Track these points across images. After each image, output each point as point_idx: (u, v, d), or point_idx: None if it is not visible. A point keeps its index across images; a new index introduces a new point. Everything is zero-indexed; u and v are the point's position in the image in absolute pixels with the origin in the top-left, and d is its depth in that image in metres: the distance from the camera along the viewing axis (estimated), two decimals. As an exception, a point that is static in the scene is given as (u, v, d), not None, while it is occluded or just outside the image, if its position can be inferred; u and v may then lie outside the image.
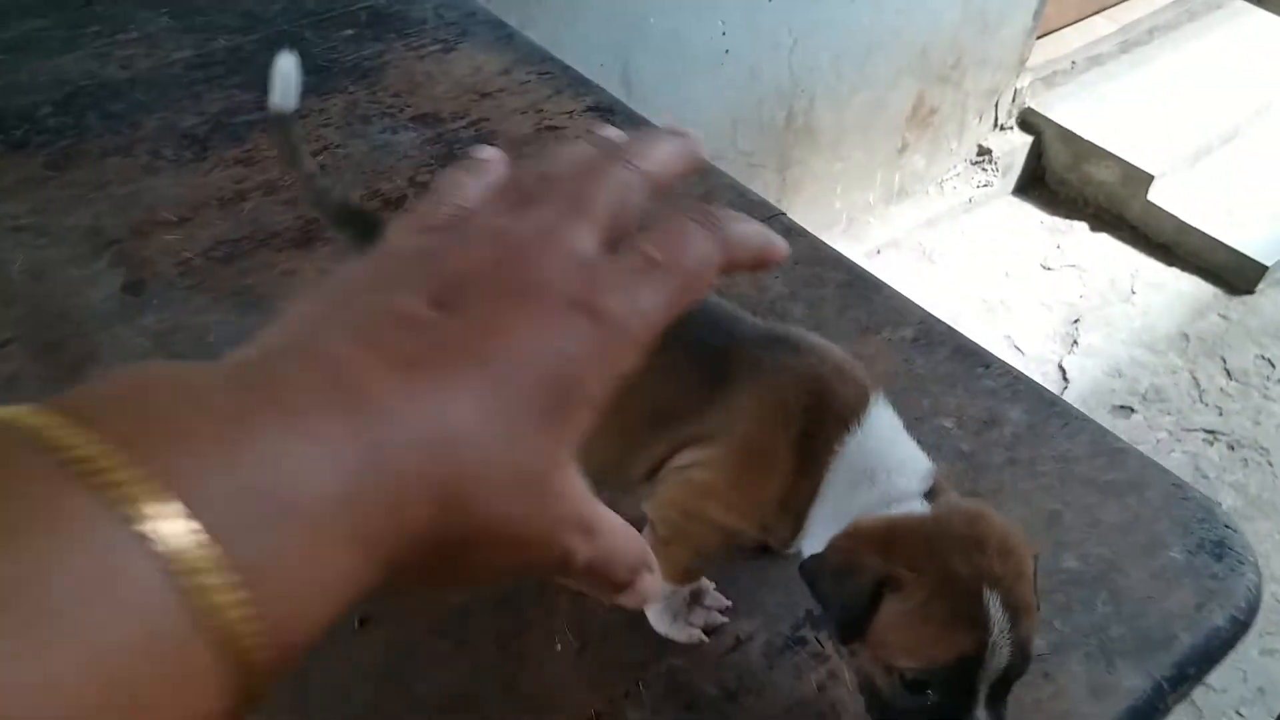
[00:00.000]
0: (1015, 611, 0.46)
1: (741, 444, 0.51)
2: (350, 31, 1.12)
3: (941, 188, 2.93)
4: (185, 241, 0.85)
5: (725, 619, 0.58)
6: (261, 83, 1.03)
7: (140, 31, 1.12)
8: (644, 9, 1.93)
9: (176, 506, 0.20)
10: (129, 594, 0.19)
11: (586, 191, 0.31)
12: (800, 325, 0.74)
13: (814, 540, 0.51)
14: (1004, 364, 0.71)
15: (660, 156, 0.34)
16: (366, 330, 0.27)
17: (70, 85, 1.03)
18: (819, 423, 0.51)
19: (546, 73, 1.06)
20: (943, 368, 0.71)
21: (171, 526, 0.20)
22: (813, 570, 0.49)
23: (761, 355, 0.52)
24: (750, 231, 0.33)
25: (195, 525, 0.20)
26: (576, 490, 0.30)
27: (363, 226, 0.65)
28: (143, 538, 0.19)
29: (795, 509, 0.52)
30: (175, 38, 1.11)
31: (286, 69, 0.64)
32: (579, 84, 1.04)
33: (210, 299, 0.80)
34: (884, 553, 0.47)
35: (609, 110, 1.00)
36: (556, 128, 0.98)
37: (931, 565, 0.47)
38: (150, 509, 0.19)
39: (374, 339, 0.26)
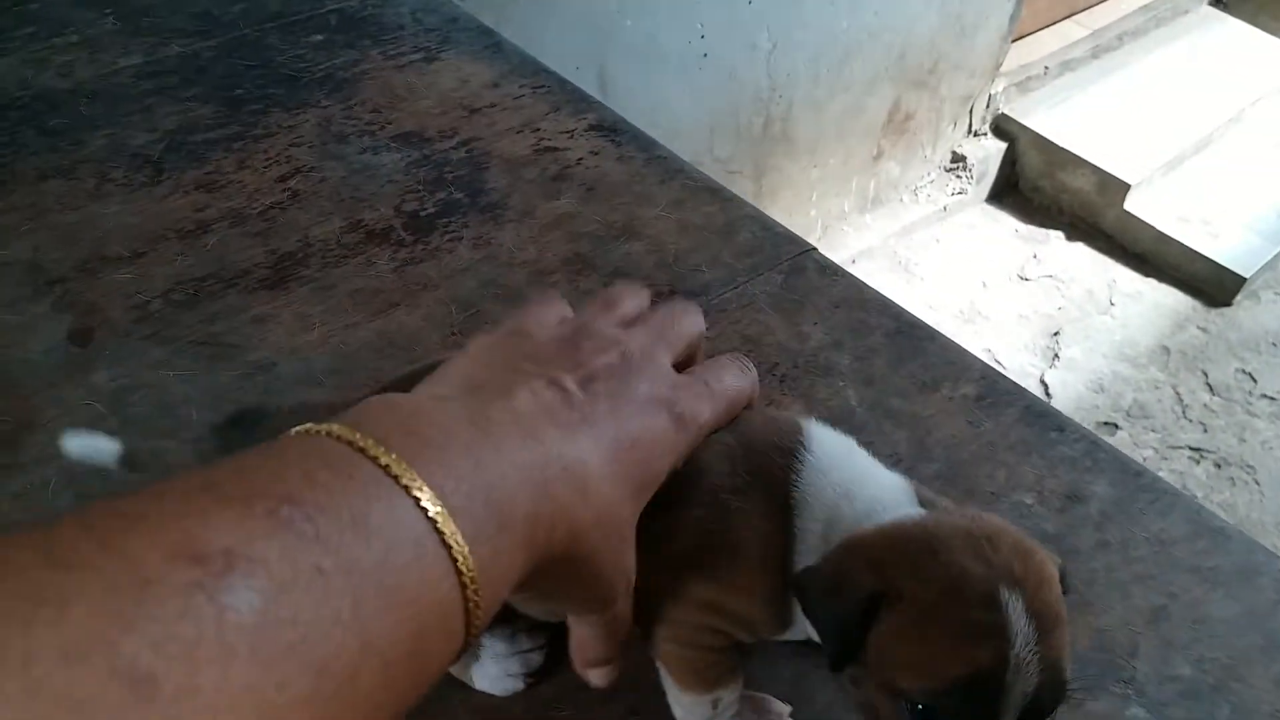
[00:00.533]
0: (1042, 620, 0.37)
1: (693, 528, 0.44)
2: (319, 37, 1.02)
3: (916, 195, 2.89)
4: (140, 281, 0.75)
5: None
6: (222, 95, 0.94)
7: (80, 35, 1.01)
8: (620, 11, 1.85)
9: (433, 495, 0.29)
10: (427, 568, 0.29)
11: (668, 325, 0.45)
12: (850, 380, 0.67)
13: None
14: (1079, 427, 0.65)
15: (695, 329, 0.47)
16: (539, 394, 0.37)
17: (1, 95, 0.92)
18: (761, 467, 0.44)
19: (541, 86, 0.98)
20: (1014, 432, 0.64)
21: (433, 506, 0.29)
22: (803, 586, 0.41)
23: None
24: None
25: (442, 508, 0.29)
26: (633, 553, 0.39)
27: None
28: (433, 522, 0.29)
29: (775, 565, 0.43)
30: (121, 42, 1.00)
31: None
32: (577, 99, 0.96)
33: (170, 350, 0.70)
34: (877, 563, 0.39)
35: (612, 130, 0.92)
36: (556, 149, 0.90)
37: (937, 568, 0.38)
38: (420, 493, 0.29)
39: (544, 402, 0.37)
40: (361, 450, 0.29)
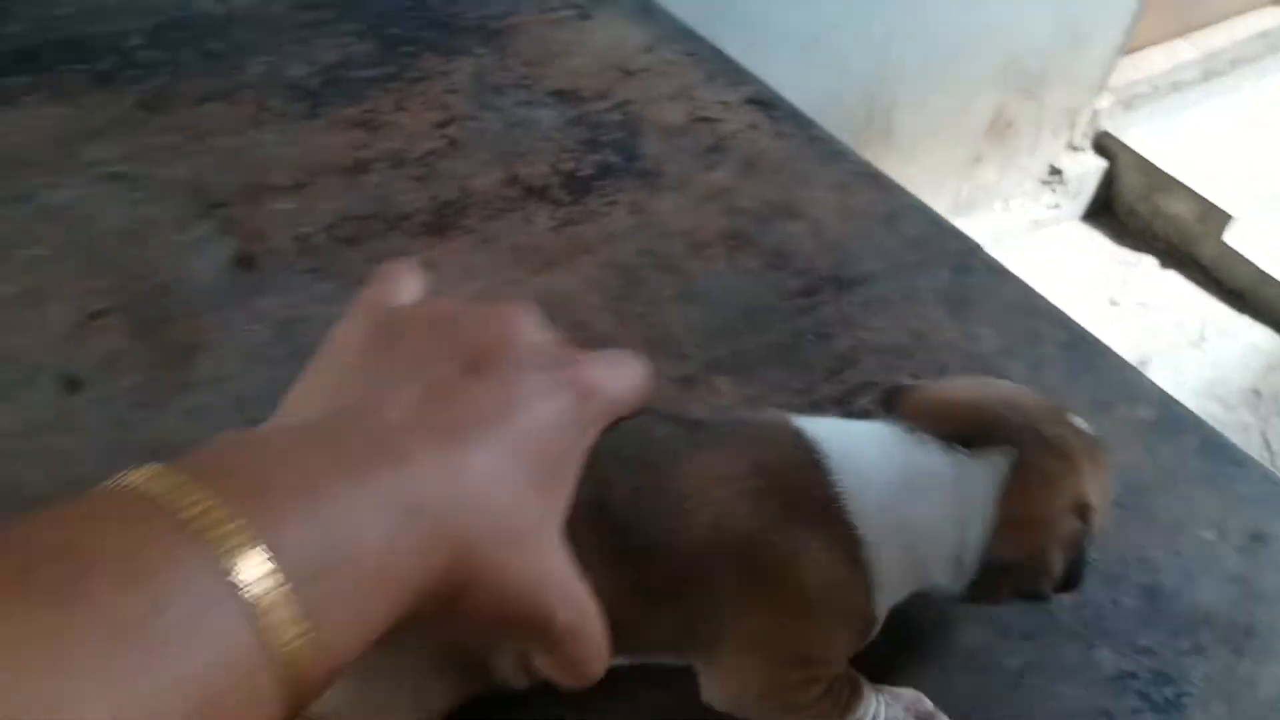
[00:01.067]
0: None
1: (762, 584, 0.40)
2: (472, -16, 1.03)
3: (1008, 205, 2.86)
4: (302, 213, 0.76)
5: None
6: (377, 33, 0.95)
7: (236, -41, 1.02)
8: (740, -15, 1.84)
9: (261, 553, 0.25)
10: (220, 631, 0.24)
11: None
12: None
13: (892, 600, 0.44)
14: (1259, 465, 0.64)
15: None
16: (411, 402, 0.34)
17: (160, 15, 0.94)
18: (791, 492, 0.41)
19: (694, 54, 0.98)
20: (1192, 463, 0.63)
21: (256, 571, 0.25)
22: (1028, 591, 0.42)
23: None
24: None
25: (274, 569, 0.25)
26: (560, 554, 0.35)
27: None
28: (234, 585, 0.24)
29: (856, 590, 0.41)
30: (277, -30, 1.01)
31: None
32: (733, 71, 0.96)
33: (336, 286, 0.71)
34: (1060, 497, 0.41)
35: (770, 105, 0.92)
36: (711, 119, 0.90)
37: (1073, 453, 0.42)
38: (241, 556, 0.25)
39: (419, 409, 0.33)
40: (175, 511, 0.25)
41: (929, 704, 0.50)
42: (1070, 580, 0.43)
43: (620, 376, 0.40)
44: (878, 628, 0.44)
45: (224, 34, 0.92)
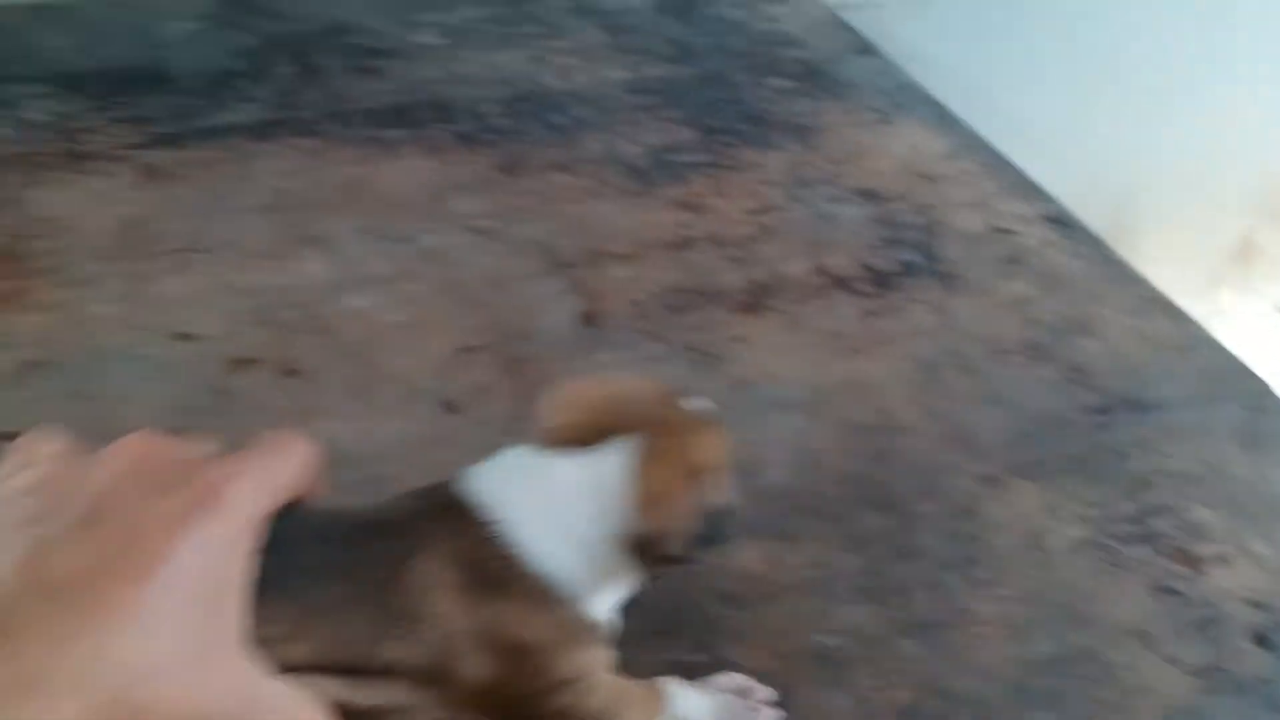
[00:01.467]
0: None
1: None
2: (783, 83, 1.13)
3: (1238, 329, 2.76)
4: (637, 280, 0.86)
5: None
6: (698, 122, 1.06)
7: (574, 42, 1.16)
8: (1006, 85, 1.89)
9: None
10: None
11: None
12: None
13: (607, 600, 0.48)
14: None
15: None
16: (31, 573, 0.30)
17: (511, 87, 1.08)
18: (488, 576, 0.44)
19: (990, 165, 1.05)
20: None
21: None
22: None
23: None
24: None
25: None
26: (247, 668, 0.34)
27: None
28: None
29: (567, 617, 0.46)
30: (609, 56, 1.14)
31: None
32: (1028, 187, 1.02)
33: (663, 348, 0.81)
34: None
35: (1066, 224, 0.97)
36: (1010, 231, 0.96)
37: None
38: None
39: (39, 579, 0.30)
40: None
41: (741, 677, 0.58)
42: (714, 537, 0.48)
43: (264, 468, 0.38)
44: (611, 629, 0.49)
45: (565, 109, 1.05)
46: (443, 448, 0.72)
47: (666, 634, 0.63)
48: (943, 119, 1.10)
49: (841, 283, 0.89)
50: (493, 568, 0.44)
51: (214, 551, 0.34)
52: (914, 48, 1.26)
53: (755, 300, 0.86)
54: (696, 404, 0.51)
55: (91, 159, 0.94)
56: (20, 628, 0.29)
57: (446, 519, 0.45)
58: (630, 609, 0.62)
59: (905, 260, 0.92)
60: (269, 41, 1.12)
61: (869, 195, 0.99)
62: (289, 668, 0.36)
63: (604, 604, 0.48)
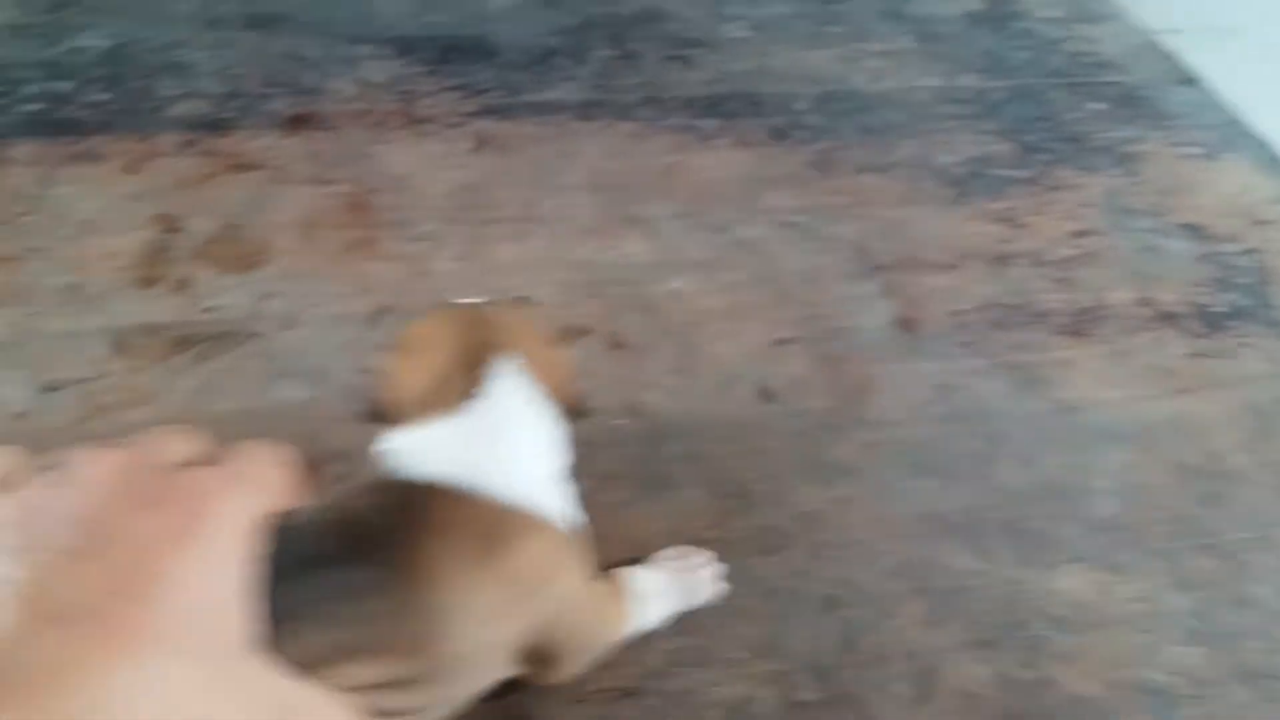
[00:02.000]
0: None
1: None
2: (1100, 106, 1.11)
3: None
4: (954, 292, 0.87)
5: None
6: (1013, 137, 1.05)
7: (884, 46, 1.17)
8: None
9: None
10: None
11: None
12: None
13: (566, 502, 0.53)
14: None
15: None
16: (34, 605, 0.30)
17: (822, 85, 1.10)
18: (477, 527, 0.47)
19: (1328, 215, 1.00)
20: None
21: None
22: None
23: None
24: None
25: None
26: (264, 678, 0.33)
27: None
28: None
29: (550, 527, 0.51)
30: (920, 63, 1.15)
31: None
32: (1371, 240, 0.97)
33: (986, 364, 0.81)
34: None
35: None
36: (1351, 286, 0.91)
37: None
38: None
39: (43, 611, 0.29)
40: None
41: (678, 548, 0.65)
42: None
43: (250, 478, 0.37)
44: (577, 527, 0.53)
45: (877, 112, 1.07)
46: (760, 434, 0.75)
47: (991, 645, 0.64)
48: (1274, 161, 1.06)
49: (1170, 319, 0.87)
50: (494, 525, 0.47)
51: (214, 564, 0.33)
52: (1233, 80, 1.22)
53: (1079, 325, 0.86)
54: (485, 300, 0.58)
55: (429, 122, 1.02)
56: (33, 663, 0.29)
57: (432, 504, 0.47)
58: (956, 618, 0.64)
59: (1236, 304, 0.89)
60: (587, 22, 1.18)
61: (1195, 231, 0.96)
62: (310, 668, 0.37)
63: (566, 508, 0.53)
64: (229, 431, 0.69)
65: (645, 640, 0.61)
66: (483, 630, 0.46)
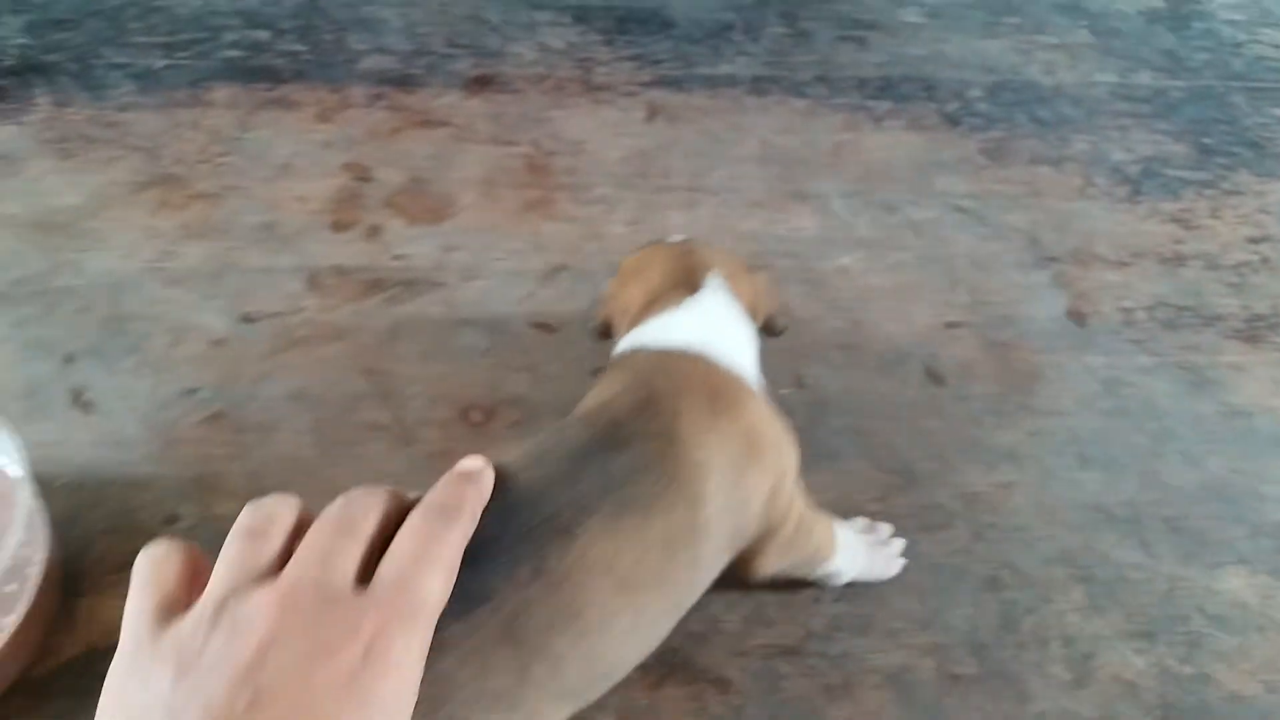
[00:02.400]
0: None
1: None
2: (1286, 111, 1.09)
3: None
4: (1126, 288, 0.88)
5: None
6: (1191, 138, 1.05)
7: (1059, 39, 1.17)
8: None
9: None
10: None
11: (340, 527, 0.37)
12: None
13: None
14: None
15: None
16: None
17: (996, 74, 1.11)
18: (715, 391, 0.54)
19: None
20: None
21: None
22: None
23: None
24: None
25: None
26: None
27: None
28: None
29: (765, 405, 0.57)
30: (1096, 58, 1.14)
31: None
32: None
33: (1155, 362, 0.82)
34: None
35: None
36: None
37: None
38: None
39: None
40: None
41: (864, 520, 0.68)
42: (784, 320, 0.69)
43: (433, 558, 0.37)
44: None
45: (1050, 104, 1.07)
46: (925, 414, 0.77)
47: (1150, 637, 0.65)
48: None
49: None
50: (722, 385, 0.54)
51: (380, 712, 0.33)
52: None
53: (1253, 331, 0.85)
54: (692, 239, 0.67)
55: (605, 90, 1.06)
56: None
57: (672, 374, 0.53)
58: (1116, 608, 0.65)
59: None
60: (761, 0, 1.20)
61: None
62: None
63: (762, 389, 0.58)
64: (412, 375, 0.75)
65: (810, 602, 0.64)
66: (734, 490, 0.51)
